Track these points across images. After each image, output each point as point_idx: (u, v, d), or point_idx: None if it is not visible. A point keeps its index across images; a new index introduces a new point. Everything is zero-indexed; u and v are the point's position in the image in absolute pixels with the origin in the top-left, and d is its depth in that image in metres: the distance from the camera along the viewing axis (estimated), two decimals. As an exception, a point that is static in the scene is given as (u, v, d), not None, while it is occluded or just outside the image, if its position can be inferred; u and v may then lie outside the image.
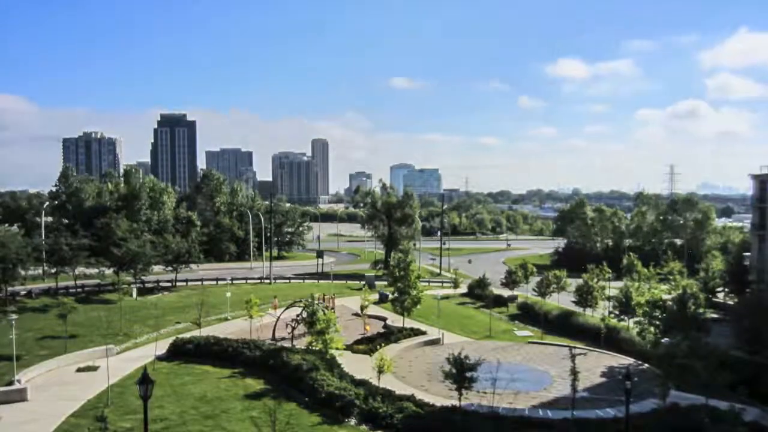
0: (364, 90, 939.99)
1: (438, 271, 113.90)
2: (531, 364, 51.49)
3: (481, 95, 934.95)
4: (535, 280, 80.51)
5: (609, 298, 69.46)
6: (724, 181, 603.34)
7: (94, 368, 44.94)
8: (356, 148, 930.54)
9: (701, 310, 57.68)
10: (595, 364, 51.01)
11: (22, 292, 71.52)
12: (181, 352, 48.84)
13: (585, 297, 69.70)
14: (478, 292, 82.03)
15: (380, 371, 40.23)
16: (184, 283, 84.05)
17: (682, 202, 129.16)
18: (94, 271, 76.91)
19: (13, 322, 42.55)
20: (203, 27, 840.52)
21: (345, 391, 37.90)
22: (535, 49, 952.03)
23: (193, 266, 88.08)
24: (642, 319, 57.66)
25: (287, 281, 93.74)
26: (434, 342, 57.66)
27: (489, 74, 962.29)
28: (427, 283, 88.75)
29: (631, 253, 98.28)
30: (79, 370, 45.04)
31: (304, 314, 51.67)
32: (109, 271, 76.07)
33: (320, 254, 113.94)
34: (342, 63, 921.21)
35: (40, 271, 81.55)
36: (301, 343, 50.40)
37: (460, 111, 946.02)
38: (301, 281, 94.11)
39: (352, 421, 35.73)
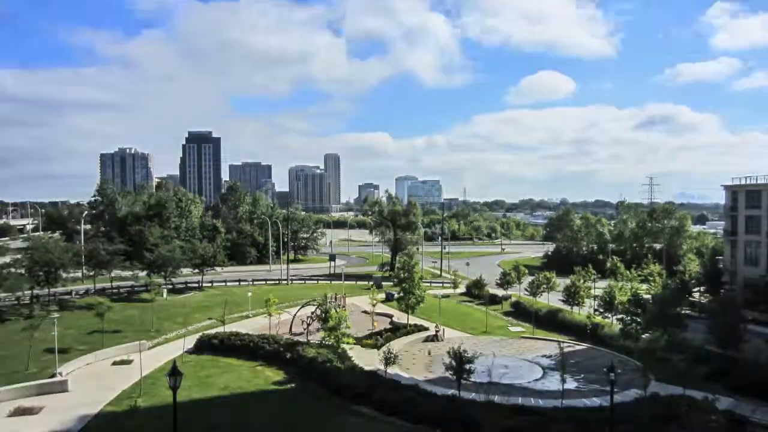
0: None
1: (439, 272, 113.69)
2: (524, 357, 51.24)
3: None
4: (527, 280, 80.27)
5: (594, 297, 69.15)
6: (700, 191, 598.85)
7: (128, 362, 45.03)
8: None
9: (678, 308, 57.30)
10: (582, 358, 50.67)
11: (64, 293, 71.86)
12: (207, 347, 48.81)
13: (572, 296, 69.38)
14: (476, 291, 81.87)
15: (387, 363, 40.21)
16: (210, 284, 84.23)
17: (660, 210, 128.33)
18: (128, 273, 77.11)
19: (55, 320, 42.76)
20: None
21: (355, 381, 37.82)
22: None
23: (218, 269, 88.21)
24: (624, 316, 57.33)
25: (303, 282, 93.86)
26: (435, 337, 57.47)
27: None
28: (429, 284, 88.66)
29: (614, 257, 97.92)
30: (114, 363, 45.10)
31: (319, 312, 51.80)
32: (142, 274, 76.30)
33: (332, 257, 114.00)
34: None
35: (80, 273, 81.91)
36: (315, 338, 50.34)
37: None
38: (316, 282, 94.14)
39: (363, 409, 35.65)
